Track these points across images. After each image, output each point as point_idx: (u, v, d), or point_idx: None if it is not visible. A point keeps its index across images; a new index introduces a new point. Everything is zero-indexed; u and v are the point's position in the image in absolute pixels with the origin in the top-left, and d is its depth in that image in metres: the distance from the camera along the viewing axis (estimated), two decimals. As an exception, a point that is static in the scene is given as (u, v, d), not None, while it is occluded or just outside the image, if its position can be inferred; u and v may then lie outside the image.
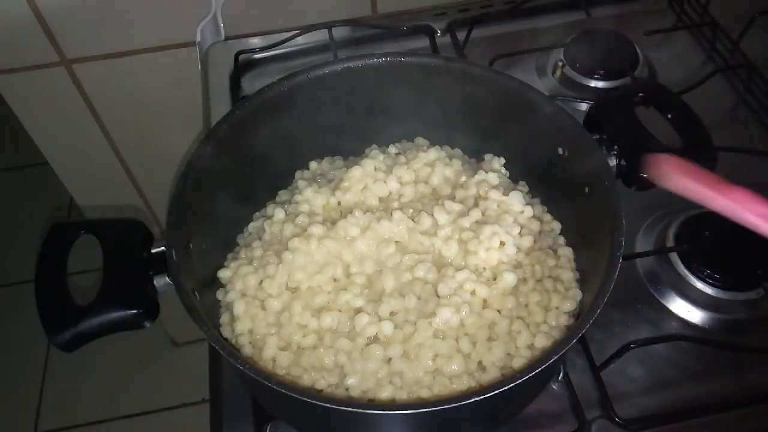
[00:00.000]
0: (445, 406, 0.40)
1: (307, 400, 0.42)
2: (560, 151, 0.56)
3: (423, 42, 0.85)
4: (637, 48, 0.80)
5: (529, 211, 0.57)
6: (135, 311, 0.48)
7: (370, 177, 0.58)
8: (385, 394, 0.47)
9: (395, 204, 0.58)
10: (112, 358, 1.27)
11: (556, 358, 0.43)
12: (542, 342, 0.50)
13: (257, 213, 0.61)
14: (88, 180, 1.02)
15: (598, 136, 0.55)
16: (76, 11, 0.81)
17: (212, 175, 0.54)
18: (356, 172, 0.58)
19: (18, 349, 1.44)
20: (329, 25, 0.82)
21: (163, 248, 0.49)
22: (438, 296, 0.51)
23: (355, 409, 0.42)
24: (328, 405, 0.41)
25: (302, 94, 0.59)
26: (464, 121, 0.62)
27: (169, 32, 0.87)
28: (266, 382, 0.42)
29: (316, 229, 0.54)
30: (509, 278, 0.51)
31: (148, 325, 0.49)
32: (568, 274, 0.55)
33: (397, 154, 0.63)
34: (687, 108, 0.58)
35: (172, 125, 0.95)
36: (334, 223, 0.55)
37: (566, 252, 0.57)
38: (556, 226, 0.59)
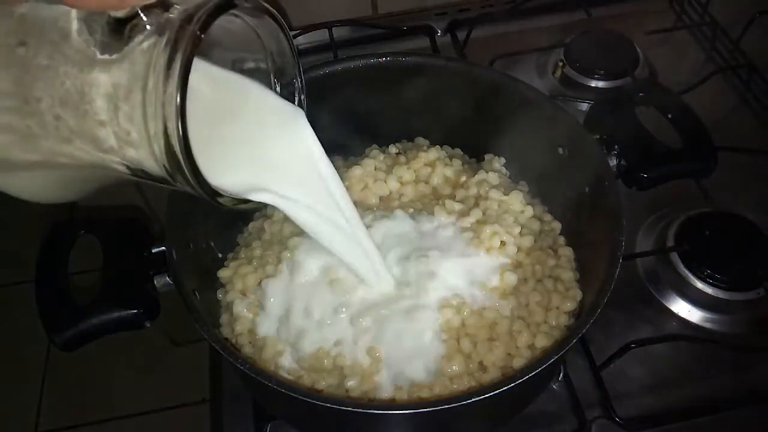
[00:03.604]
0: (445, 406, 0.41)
1: (308, 400, 0.42)
2: (560, 151, 0.56)
3: (423, 42, 0.85)
4: (637, 48, 0.80)
5: (529, 210, 0.57)
6: (135, 311, 0.48)
7: (370, 176, 0.58)
8: (385, 394, 0.47)
9: (395, 203, 0.58)
10: (112, 358, 1.26)
11: (556, 358, 0.43)
12: (542, 342, 0.50)
13: (257, 213, 0.61)
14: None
15: (598, 136, 0.55)
16: (76, 11, 0.81)
17: (212, 175, 0.54)
18: (356, 171, 0.58)
19: (18, 349, 1.44)
20: (329, 25, 0.82)
21: (163, 248, 0.49)
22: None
23: (355, 409, 0.42)
24: (328, 405, 0.41)
25: (302, 94, 0.59)
26: (464, 121, 0.62)
27: (169, 32, 0.87)
28: (266, 382, 0.42)
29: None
30: (510, 278, 0.51)
31: (148, 325, 0.49)
32: (568, 274, 0.55)
33: (397, 154, 0.63)
34: (687, 108, 0.58)
35: (172, 125, 0.94)
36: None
37: (566, 252, 0.56)
38: (557, 226, 0.58)
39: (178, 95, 0.31)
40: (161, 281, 0.49)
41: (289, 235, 0.55)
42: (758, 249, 0.62)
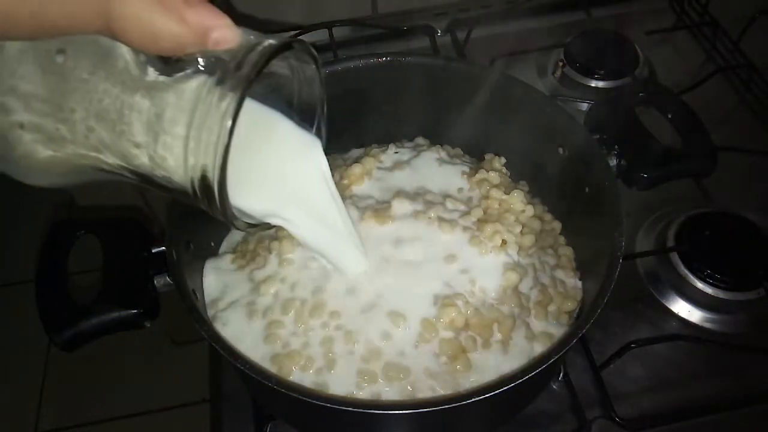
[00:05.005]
0: (446, 406, 0.40)
1: (308, 399, 0.42)
2: (560, 151, 0.56)
3: (423, 42, 0.85)
4: (637, 48, 0.80)
5: (530, 210, 0.57)
6: (135, 311, 0.48)
7: (369, 175, 0.58)
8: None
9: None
10: (112, 358, 1.27)
11: (556, 358, 0.43)
12: (543, 342, 0.50)
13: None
14: (88, 180, 1.01)
15: (598, 136, 0.55)
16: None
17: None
18: (356, 170, 0.58)
19: (18, 349, 1.44)
20: (329, 25, 0.82)
21: (163, 248, 0.49)
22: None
23: (355, 409, 0.42)
24: (328, 405, 0.41)
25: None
26: (464, 121, 0.62)
27: (169, 32, 0.87)
28: (266, 382, 0.42)
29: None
30: (511, 277, 0.51)
31: (148, 325, 0.49)
32: (569, 274, 0.55)
33: (396, 153, 0.63)
34: (687, 108, 0.58)
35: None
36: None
37: (566, 252, 0.57)
38: (557, 225, 0.59)
39: (227, 137, 0.31)
40: (161, 281, 0.49)
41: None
42: (758, 249, 0.62)
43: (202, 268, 0.55)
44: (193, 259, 0.52)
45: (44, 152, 0.35)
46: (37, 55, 0.33)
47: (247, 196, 0.41)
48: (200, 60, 0.32)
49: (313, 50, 0.38)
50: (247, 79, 0.32)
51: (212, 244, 0.57)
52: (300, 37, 0.42)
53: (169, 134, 0.32)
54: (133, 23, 0.29)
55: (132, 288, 0.49)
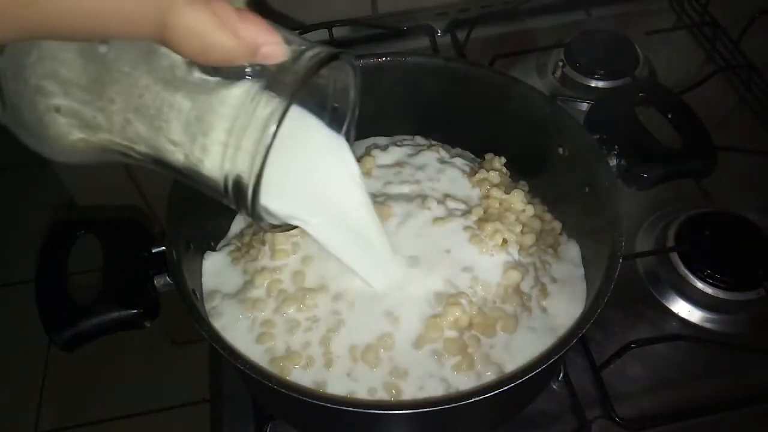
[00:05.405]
0: (446, 406, 0.40)
1: (308, 400, 0.42)
2: (560, 150, 0.56)
3: (423, 42, 0.85)
4: (637, 48, 0.80)
5: (530, 209, 0.57)
6: (135, 311, 0.48)
7: (369, 174, 0.58)
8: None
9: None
10: (112, 358, 1.27)
11: (556, 358, 0.43)
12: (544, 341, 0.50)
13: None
14: (88, 180, 1.01)
15: (598, 136, 0.55)
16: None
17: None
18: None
19: (18, 349, 1.44)
20: (329, 25, 0.82)
21: (163, 248, 0.49)
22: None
23: (355, 409, 0.42)
24: (328, 405, 0.41)
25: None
26: (464, 121, 0.62)
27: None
28: (266, 382, 0.42)
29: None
30: (512, 276, 0.51)
31: (148, 324, 0.49)
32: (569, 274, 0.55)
33: (396, 153, 0.62)
34: (687, 108, 0.58)
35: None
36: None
37: (567, 251, 0.56)
38: (557, 225, 0.58)
39: (267, 148, 0.31)
40: (161, 281, 0.49)
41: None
42: (758, 249, 0.62)
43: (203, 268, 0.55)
44: (193, 259, 0.52)
45: (77, 135, 0.35)
46: (80, 43, 0.33)
47: (274, 197, 0.40)
48: (246, 66, 0.32)
49: (355, 61, 0.38)
50: (292, 91, 0.32)
51: (212, 243, 0.57)
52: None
53: (208, 138, 0.32)
54: (187, 34, 0.29)
55: (132, 288, 0.49)
